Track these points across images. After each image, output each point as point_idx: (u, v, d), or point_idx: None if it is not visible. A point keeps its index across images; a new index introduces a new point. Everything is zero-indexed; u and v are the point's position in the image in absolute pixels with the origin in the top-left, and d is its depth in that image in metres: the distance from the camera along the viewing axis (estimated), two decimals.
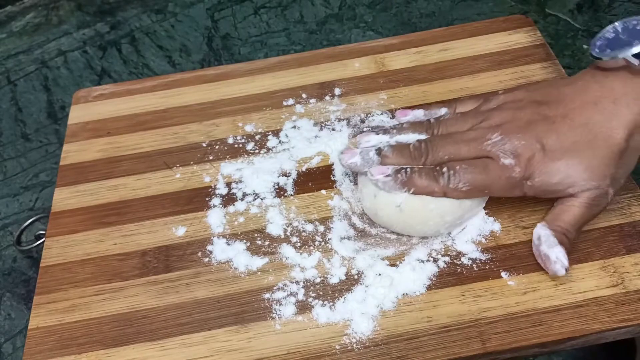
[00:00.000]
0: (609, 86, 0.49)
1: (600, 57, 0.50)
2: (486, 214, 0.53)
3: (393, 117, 0.61)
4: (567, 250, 0.48)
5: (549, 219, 0.50)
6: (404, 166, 0.50)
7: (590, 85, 0.50)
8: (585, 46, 0.53)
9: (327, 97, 0.64)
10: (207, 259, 0.53)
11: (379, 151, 0.51)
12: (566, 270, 0.48)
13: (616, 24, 0.51)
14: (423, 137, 0.52)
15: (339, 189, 0.56)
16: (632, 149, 0.49)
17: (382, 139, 0.52)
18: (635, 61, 0.48)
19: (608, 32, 0.51)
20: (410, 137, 0.52)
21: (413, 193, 0.50)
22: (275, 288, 0.50)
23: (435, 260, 0.51)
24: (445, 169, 0.49)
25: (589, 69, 0.52)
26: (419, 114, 0.55)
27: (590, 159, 0.48)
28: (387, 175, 0.50)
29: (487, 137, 0.50)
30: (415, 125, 0.53)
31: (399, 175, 0.50)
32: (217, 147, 0.61)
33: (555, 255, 0.48)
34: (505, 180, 0.49)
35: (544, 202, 0.53)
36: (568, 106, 0.50)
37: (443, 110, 0.55)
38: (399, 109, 0.61)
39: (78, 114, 0.65)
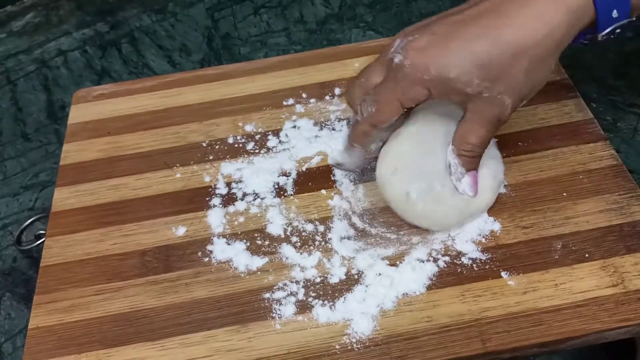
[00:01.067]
0: None
1: None
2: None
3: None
4: (476, 168, 0.49)
5: (456, 142, 0.48)
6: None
7: None
8: None
9: (327, 97, 0.64)
10: (207, 259, 0.53)
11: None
12: (476, 194, 0.49)
13: None
14: None
15: (339, 189, 0.56)
16: (542, 54, 0.45)
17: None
18: None
19: None
20: None
21: (360, 145, 0.52)
22: (275, 288, 0.50)
23: (435, 260, 0.51)
24: (358, 107, 0.50)
25: None
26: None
27: (486, 55, 0.44)
28: (341, 152, 0.54)
29: (387, 51, 0.49)
30: None
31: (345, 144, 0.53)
32: (217, 147, 0.61)
33: (463, 187, 0.49)
34: (401, 79, 0.46)
35: (544, 201, 0.53)
36: (474, 3, 0.46)
37: None
38: None
39: (78, 113, 0.65)
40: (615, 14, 0.45)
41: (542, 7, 0.44)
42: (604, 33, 0.46)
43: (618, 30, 0.46)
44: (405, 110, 0.48)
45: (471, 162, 0.49)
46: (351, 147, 0.53)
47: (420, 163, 0.51)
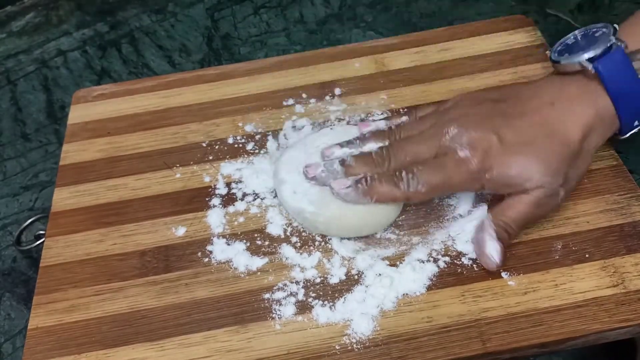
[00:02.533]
0: (565, 89, 0.51)
1: (558, 60, 0.52)
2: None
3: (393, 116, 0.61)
4: (504, 245, 0.49)
5: (495, 211, 0.50)
6: (365, 175, 0.50)
7: (547, 87, 0.52)
8: (547, 52, 0.54)
9: (327, 97, 0.64)
10: (206, 259, 0.52)
11: (342, 162, 0.52)
12: (497, 266, 0.49)
13: (577, 31, 0.53)
14: (385, 144, 0.53)
15: None
16: (585, 150, 0.50)
17: (346, 152, 0.53)
18: (589, 65, 0.49)
19: (569, 38, 0.53)
20: (373, 147, 0.53)
21: (377, 201, 0.50)
22: (275, 288, 0.50)
23: (435, 261, 0.51)
24: (404, 173, 0.49)
25: (549, 75, 0.54)
26: (381, 125, 0.56)
27: (546, 154, 0.48)
28: (348, 187, 0.50)
29: (443, 131, 0.50)
30: (376, 134, 0.54)
31: (359, 185, 0.50)
32: (217, 147, 0.61)
33: (490, 250, 0.48)
34: (464, 173, 0.49)
35: None
36: (525, 105, 0.51)
37: (404, 118, 0.56)
38: (360, 120, 0.61)
39: (78, 114, 0.65)
40: (636, 123, 0.51)
41: (581, 112, 0.50)
42: (625, 136, 0.53)
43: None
44: None
45: (503, 235, 0.49)
46: (367, 197, 0.50)
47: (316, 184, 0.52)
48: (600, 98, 0.50)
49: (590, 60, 0.49)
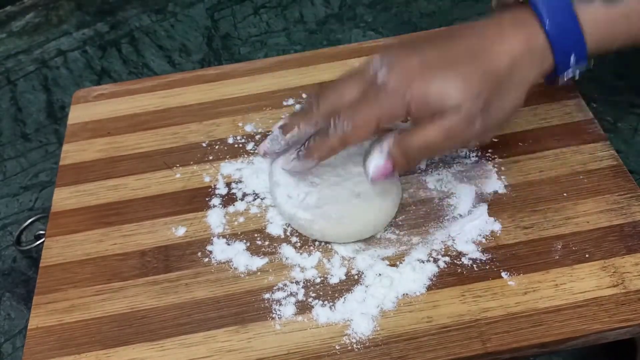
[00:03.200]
0: (497, 20, 0.49)
1: None
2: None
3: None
4: (396, 166, 0.48)
5: (402, 133, 0.48)
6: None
7: (481, 21, 0.50)
8: None
9: None
10: (206, 259, 0.52)
11: (280, 127, 0.52)
12: (371, 182, 0.48)
13: None
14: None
15: None
16: (513, 81, 0.47)
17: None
18: None
19: None
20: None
21: (319, 158, 0.50)
22: (275, 288, 0.50)
23: (435, 261, 0.51)
24: (331, 120, 0.48)
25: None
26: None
27: (468, 74, 0.46)
28: (293, 159, 0.51)
29: (367, 68, 0.49)
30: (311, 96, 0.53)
31: (300, 152, 0.50)
32: (217, 147, 0.61)
33: (368, 163, 0.48)
34: (385, 98, 0.47)
35: (544, 202, 0.53)
36: (454, 32, 0.50)
37: None
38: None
39: (78, 114, 0.65)
40: (572, 61, 0.48)
41: (510, 41, 0.47)
42: (565, 78, 0.50)
43: (579, 72, 0.50)
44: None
45: (396, 154, 0.47)
46: (309, 158, 0.50)
47: (310, 189, 0.52)
48: (532, 28, 0.48)
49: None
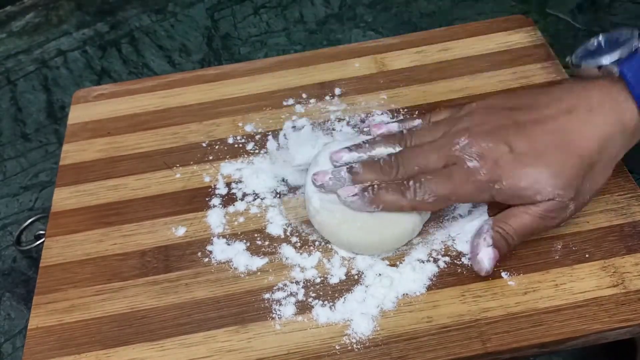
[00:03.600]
0: (585, 95, 0.48)
1: (579, 64, 0.50)
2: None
3: (393, 116, 0.61)
4: (500, 254, 0.48)
5: (497, 218, 0.49)
6: (372, 183, 0.50)
7: (566, 93, 0.49)
8: (567, 58, 0.53)
9: (327, 97, 0.64)
10: (207, 259, 0.52)
11: (350, 169, 0.51)
12: (486, 273, 0.48)
13: (599, 36, 0.51)
14: (396, 150, 0.52)
15: None
16: (602, 162, 0.48)
17: (355, 156, 0.52)
18: (614, 68, 0.47)
19: (591, 44, 0.51)
20: (383, 151, 0.52)
21: (382, 210, 0.49)
22: (275, 288, 0.50)
23: (435, 261, 0.51)
24: (411, 182, 0.49)
25: (569, 79, 0.52)
26: (393, 127, 0.55)
27: (559, 166, 0.47)
28: (355, 195, 0.49)
29: (454, 142, 0.49)
30: (387, 138, 0.53)
31: (366, 193, 0.49)
32: (217, 147, 0.61)
33: (482, 255, 0.48)
34: (472, 184, 0.48)
35: None
36: (541, 112, 0.49)
37: (417, 122, 0.54)
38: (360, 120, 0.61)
39: (78, 114, 0.65)
40: None
41: (601, 121, 0.47)
42: None
43: None
44: None
45: (501, 243, 0.48)
46: (373, 205, 0.49)
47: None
48: (624, 104, 0.47)
49: (614, 63, 0.48)
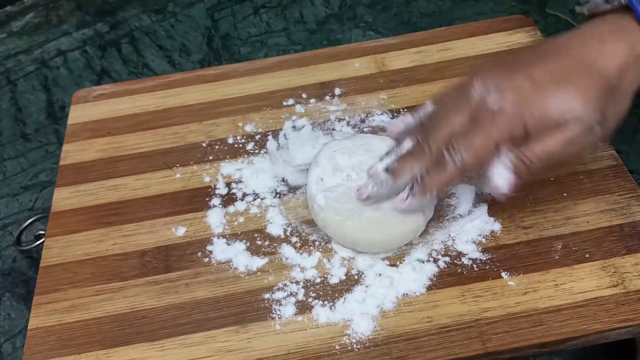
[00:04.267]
0: (595, 28, 0.48)
1: (587, 1, 0.49)
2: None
3: (394, 117, 0.61)
4: (519, 179, 0.46)
5: (519, 145, 0.47)
6: (414, 175, 0.49)
7: (576, 33, 0.49)
8: (576, 7, 0.52)
9: (327, 97, 0.64)
10: (207, 259, 0.52)
11: (386, 169, 0.50)
12: (504, 197, 0.46)
13: None
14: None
15: None
16: (622, 88, 0.47)
17: (389, 161, 0.51)
18: None
19: None
20: (410, 144, 0.51)
21: (438, 191, 0.48)
22: (275, 288, 0.50)
23: (435, 261, 0.51)
24: (444, 152, 0.47)
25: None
26: (408, 120, 0.53)
27: (583, 86, 0.45)
28: (406, 198, 0.49)
29: (470, 95, 0.47)
30: (410, 132, 0.52)
31: (414, 189, 0.49)
32: (217, 147, 0.61)
33: (498, 179, 0.46)
34: (502, 123, 0.46)
35: (544, 202, 0.53)
36: (554, 49, 0.48)
37: (429, 106, 0.53)
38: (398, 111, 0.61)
39: (78, 114, 0.65)
40: None
41: (615, 49, 0.47)
42: None
43: None
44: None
45: (520, 167, 0.46)
46: (426, 193, 0.48)
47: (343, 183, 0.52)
48: (634, 33, 0.46)
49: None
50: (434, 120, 0.50)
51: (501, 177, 0.46)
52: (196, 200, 0.57)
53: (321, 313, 0.48)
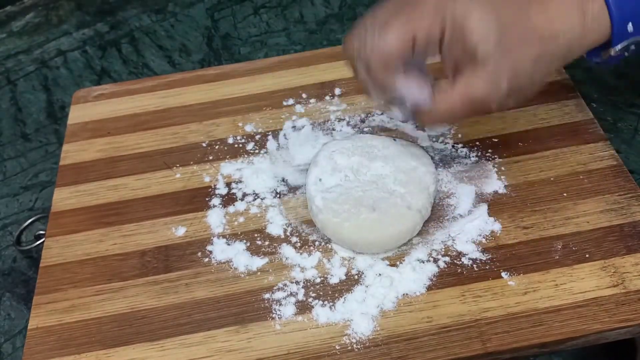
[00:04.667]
0: None
1: None
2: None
3: (393, 117, 0.61)
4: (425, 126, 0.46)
5: (428, 97, 0.46)
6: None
7: None
8: None
9: (327, 97, 0.64)
10: (207, 259, 0.52)
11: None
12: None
13: None
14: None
15: None
16: (557, 48, 0.44)
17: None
18: None
19: None
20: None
21: (379, 87, 0.47)
22: (275, 288, 0.50)
23: (435, 261, 0.51)
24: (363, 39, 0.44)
25: None
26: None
27: (509, 25, 0.43)
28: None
29: None
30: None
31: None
32: (217, 147, 0.61)
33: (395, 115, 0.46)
34: (423, 10, 0.44)
35: (544, 202, 0.53)
36: None
37: None
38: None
39: (78, 114, 0.65)
40: (630, 27, 0.45)
41: (560, 7, 0.44)
42: (617, 48, 0.46)
43: (633, 48, 0.46)
44: (413, 49, 0.44)
45: (425, 121, 0.46)
46: (375, 96, 0.47)
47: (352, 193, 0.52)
48: None
49: None
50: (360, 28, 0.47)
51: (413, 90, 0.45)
52: (196, 200, 0.57)
53: (321, 313, 0.48)
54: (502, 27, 0.43)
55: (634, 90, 0.69)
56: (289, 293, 0.50)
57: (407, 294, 0.49)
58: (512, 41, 0.43)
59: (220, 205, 0.56)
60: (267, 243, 0.53)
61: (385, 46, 0.44)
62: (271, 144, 0.60)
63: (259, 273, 0.51)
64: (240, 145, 0.61)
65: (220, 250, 0.53)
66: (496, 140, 0.58)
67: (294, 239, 0.53)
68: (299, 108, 0.63)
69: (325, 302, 0.49)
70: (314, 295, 0.49)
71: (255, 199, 0.56)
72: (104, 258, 0.53)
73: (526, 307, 0.47)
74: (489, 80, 0.43)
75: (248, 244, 0.53)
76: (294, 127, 0.62)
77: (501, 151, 0.57)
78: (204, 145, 0.61)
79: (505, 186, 0.55)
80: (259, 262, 0.52)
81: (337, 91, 0.64)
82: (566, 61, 0.46)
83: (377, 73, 0.46)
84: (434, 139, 0.59)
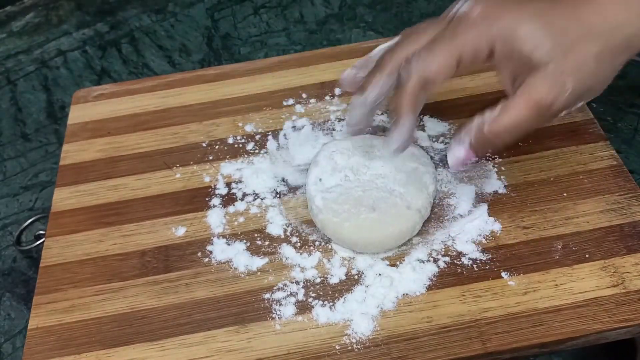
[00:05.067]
0: None
1: None
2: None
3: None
4: (481, 153, 0.44)
5: (488, 114, 0.44)
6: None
7: None
8: None
9: (327, 97, 0.64)
10: (207, 259, 0.52)
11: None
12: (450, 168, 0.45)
13: None
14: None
15: None
16: (615, 45, 0.43)
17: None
18: None
19: None
20: None
21: (409, 113, 0.46)
22: (275, 288, 0.50)
23: (435, 261, 0.51)
24: (401, 70, 0.44)
25: None
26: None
27: (564, 27, 0.41)
28: (392, 130, 0.47)
29: (450, 9, 0.44)
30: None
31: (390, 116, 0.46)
32: (217, 147, 0.61)
33: (449, 154, 0.45)
34: (467, 28, 0.42)
35: (544, 202, 0.53)
36: None
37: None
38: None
39: (78, 114, 0.65)
40: None
41: (611, 2, 0.43)
42: None
43: None
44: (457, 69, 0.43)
45: (483, 143, 0.44)
46: (398, 117, 0.45)
47: (352, 192, 0.52)
48: None
49: None
50: (406, 33, 0.47)
51: (452, 156, 0.45)
52: (196, 200, 0.57)
53: (321, 313, 0.48)
54: (554, 31, 0.42)
55: (634, 90, 0.69)
56: (289, 293, 0.50)
57: (407, 294, 0.49)
58: (569, 42, 0.42)
59: (220, 205, 0.56)
60: (267, 243, 0.53)
61: (429, 77, 0.44)
62: (271, 144, 0.60)
63: (259, 273, 0.51)
64: (240, 145, 0.61)
65: (220, 250, 0.53)
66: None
67: (294, 239, 0.53)
68: (299, 108, 0.63)
69: (325, 302, 0.49)
70: (314, 295, 0.49)
71: (255, 199, 0.56)
72: (104, 258, 0.53)
73: (526, 307, 0.47)
74: (552, 81, 0.42)
75: (248, 244, 0.53)
76: (294, 127, 0.62)
77: (501, 151, 0.57)
78: (204, 145, 0.61)
79: (505, 186, 0.55)
80: (259, 262, 0.52)
81: (337, 91, 0.64)
82: (629, 56, 0.44)
83: (416, 94, 0.45)
84: (434, 139, 0.59)
